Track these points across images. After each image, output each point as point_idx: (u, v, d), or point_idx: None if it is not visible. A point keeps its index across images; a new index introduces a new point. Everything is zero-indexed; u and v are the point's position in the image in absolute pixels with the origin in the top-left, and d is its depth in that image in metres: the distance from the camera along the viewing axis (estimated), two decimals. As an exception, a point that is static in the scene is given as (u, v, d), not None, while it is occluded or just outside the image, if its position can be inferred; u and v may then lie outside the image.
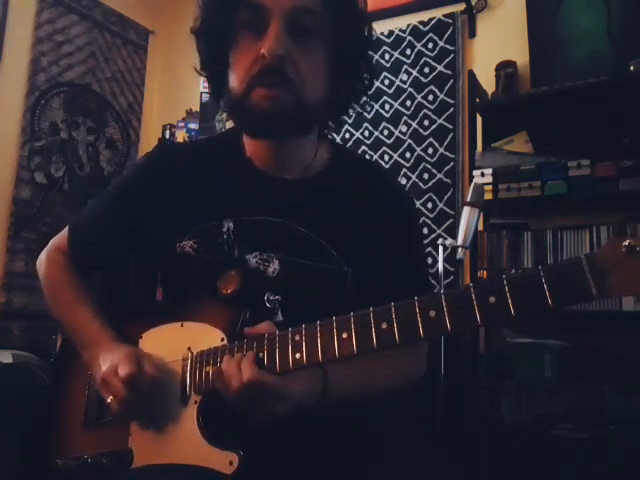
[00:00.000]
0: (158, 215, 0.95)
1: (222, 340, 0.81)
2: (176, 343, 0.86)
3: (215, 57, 0.92)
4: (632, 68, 2.07)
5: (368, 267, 0.92)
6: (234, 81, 0.88)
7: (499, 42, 2.59)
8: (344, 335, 0.70)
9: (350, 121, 2.87)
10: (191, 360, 0.83)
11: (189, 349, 0.84)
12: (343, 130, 2.88)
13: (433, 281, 2.46)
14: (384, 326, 0.68)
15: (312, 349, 0.72)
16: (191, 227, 0.91)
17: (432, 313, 0.65)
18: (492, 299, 0.62)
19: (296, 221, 0.91)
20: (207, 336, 0.82)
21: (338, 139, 2.84)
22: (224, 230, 0.90)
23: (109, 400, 0.82)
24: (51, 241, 1.07)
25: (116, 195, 1.03)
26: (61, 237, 1.05)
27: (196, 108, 3.23)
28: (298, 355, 0.73)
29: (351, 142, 2.83)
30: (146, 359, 0.84)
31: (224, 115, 2.91)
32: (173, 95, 3.53)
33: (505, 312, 0.61)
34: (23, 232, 2.80)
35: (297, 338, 0.73)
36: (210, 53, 0.93)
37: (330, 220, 0.92)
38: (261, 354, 0.75)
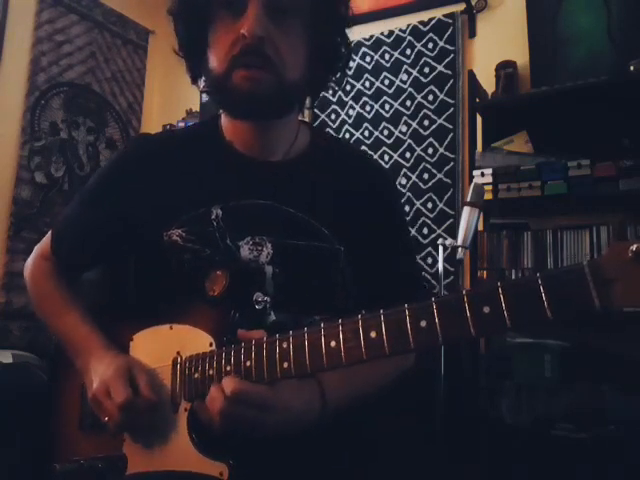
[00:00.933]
0: (141, 205, 0.93)
1: (211, 345, 0.80)
2: (166, 347, 0.84)
3: (193, 38, 0.91)
4: (632, 68, 2.06)
5: (357, 243, 0.93)
6: (214, 62, 0.87)
7: (499, 42, 2.59)
8: (332, 344, 0.68)
9: (350, 121, 2.88)
10: (180, 365, 0.82)
11: (178, 353, 0.83)
12: (343, 130, 2.89)
13: (433, 281, 2.47)
14: (373, 335, 0.65)
15: (300, 358, 0.70)
16: (179, 216, 0.90)
17: (423, 323, 0.62)
18: (486, 309, 0.58)
19: (284, 202, 0.91)
20: (196, 340, 0.81)
21: (338, 139, 2.84)
22: (213, 217, 0.90)
23: (106, 420, 0.81)
24: (35, 248, 1.05)
25: (94, 191, 1.00)
26: (44, 243, 1.03)
27: (196, 108, 3.23)
28: (286, 364, 0.71)
29: (351, 142, 2.83)
30: (139, 374, 0.82)
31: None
32: (173, 95, 3.53)
33: (500, 323, 0.57)
34: (23, 232, 2.80)
35: (284, 346, 0.71)
36: (188, 34, 0.92)
37: (317, 199, 0.93)
38: (248, 362, 0.73)
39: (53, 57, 3.02)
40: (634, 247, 0.51)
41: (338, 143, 1.09)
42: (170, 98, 3.54)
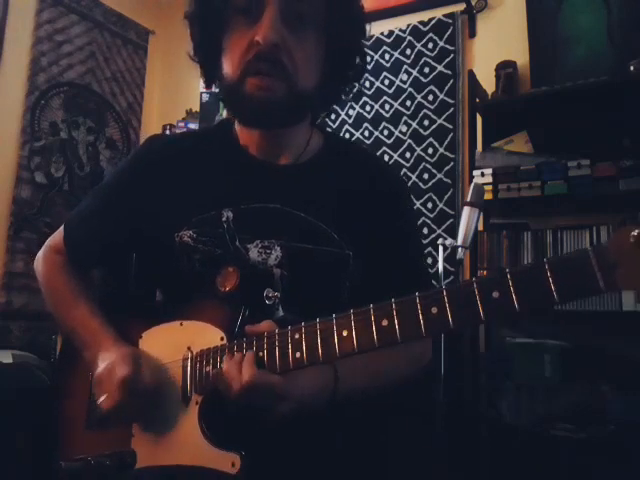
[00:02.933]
0: (154, 206, 0.94)
1: (222, 339, 0.80)
2: (176, 342, 0.85)
3: (208, 42, 0.91)
4: (632, 68, 2.06)
5: (367, 249, 0.93)
6: (228, 67, 0.88)
7: (499, 42, 2.59)
8: (344, 333, 0.69)
9: (350, 121, 2.88)
10: (191, 360, 0.83)
11: (189, 348, 0.84)
12: (343, 130, 2.89)
13: (433, 281, 2.47)
14: (385, 323, 0.66)
15: (312, 348, 0.71)
16: (190, 217, 0.91)
17: (434, 309, 0.63)
18: (495, 294, 0.60)
19: (294, 206, 0.91)
20: (207, 335, 0.82)
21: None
22: (223, 220, 0.90)
23: (100, 400, 0.82)
24: (47, 241, 1.06)
25: (110, 189, 1.02)
26: (57, 236, 1.04)
27: (196, 108, 3.23)
28: (298, 354, 0.72)
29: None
30: (145, 362, 0.83)
31: (224, 114, 2.91)
32: (173, 95, 3.53)
33: (509, 307, 0.59)
34: (23, 232, 2.80)
35: (297, 336, 0.72)
36: (203, 38, 0.92)
37: (328, 203, 0.93)
38: (261, 353, 0.74)
39: (53, 57, 3.02)
40: (635, 232, 0.53)
41: (351, 147, 1.08)
42: (170, 98, 3.54)
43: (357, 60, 0.96)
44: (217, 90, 0.96)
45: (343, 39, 0.91)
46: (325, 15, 0.88)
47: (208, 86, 0.98)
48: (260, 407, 0.73)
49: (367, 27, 0.96)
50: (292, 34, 0.84)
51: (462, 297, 0.62)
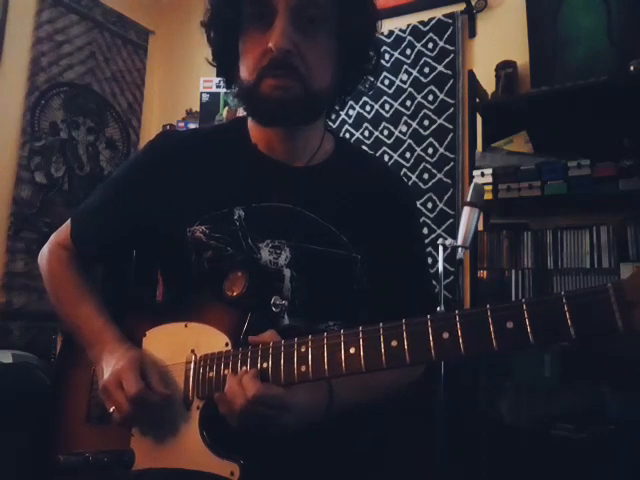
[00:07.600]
0: (166, 201, 0.94)
1: (227, 345, 0.80)
2: (180, 344, 0.84)
3: (224, 48, 0.93)
4: (632, 68, 2.06)
5: (374, 253, 0.94)
6: (244, 72, 0.89)
7: (499, 42, 2.59)
8: (352, 350, 0.67)
9: (350, 121, 2.88)
10: (194, 364, 0.82)
11: (193, 351, 0.83)
12: (343, 130, 2.89)
13: (433, 281, 2.47)
14: (394, 344, 0.65)
15: (318, 363, 0.69)
16: (203, 213, 0.91)
17: (445, 335, 0.61)
18: (510, 324, 0.58)
19: (305, 207, 0.92)
20: (211, 339, 0.81)
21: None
22: (235, 218, 0.91)
23: (111, 410, 0.81)
24: (52, 236, 1.05)
25: (120, 183, 1.01)
26: (62, 231, 1.03)
27: (196, 108, 3.23)
28: (304, 368, 0.70)
29: (352, 142, 2.83)
30: (152, 369, 0.83)
31: (224, 114, 2.91)
32: (173, 95, 3.53)
33: (523, 339, 0.57)
34: (23, 232, 2.80)
35: (303, 350, 0.71)
36: (219, 45, 0.94)
37: (338, 206, 0.94)
38: (265, 364, 0.73)
39: (53, 57, 3.02)
40: None
41: (361, 153, 1.10)
42: (170, 98, 3.54)
43: (372, 55, 0.96)
44: (235, 92, 0.96)
45: (354, 37, 0.92)
46: (336, 15, 0.89)
47: (229, 87, 0.99)
48: (265, 420, 0.72)
49: (379, 23, 0.95)
50: (304, 37, 0.86)
51: (475, 324, 0.60)
